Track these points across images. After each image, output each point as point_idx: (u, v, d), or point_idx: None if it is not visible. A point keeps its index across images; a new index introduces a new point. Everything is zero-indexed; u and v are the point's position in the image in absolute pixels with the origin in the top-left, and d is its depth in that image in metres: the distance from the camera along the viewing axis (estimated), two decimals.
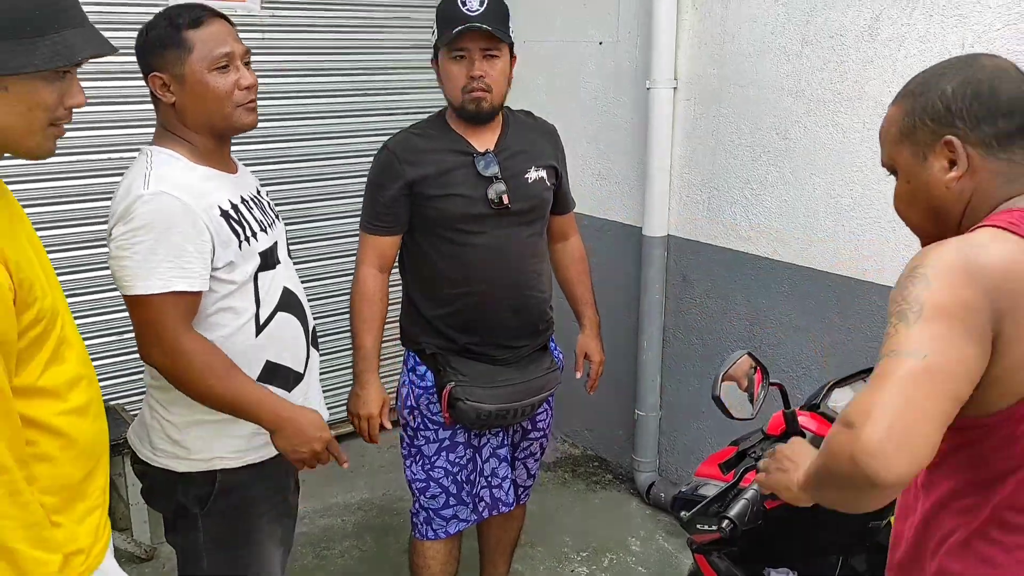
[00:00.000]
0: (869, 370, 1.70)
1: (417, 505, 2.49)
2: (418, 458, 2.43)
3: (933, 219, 1.31)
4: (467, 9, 2.16)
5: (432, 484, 2.43)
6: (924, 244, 1.32)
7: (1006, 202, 1.23)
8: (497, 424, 2.39)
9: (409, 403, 2.41)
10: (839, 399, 1.86)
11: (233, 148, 1.94)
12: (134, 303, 1.71)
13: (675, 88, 3.20)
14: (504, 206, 2.26)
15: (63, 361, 1.40)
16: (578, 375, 2.65)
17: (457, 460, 2.42)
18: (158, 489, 1.91)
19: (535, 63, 3.68)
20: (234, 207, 1.81)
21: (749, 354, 1.77)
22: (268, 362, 1.88)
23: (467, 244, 2.28)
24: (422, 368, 2.39)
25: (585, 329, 2.65)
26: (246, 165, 2.04)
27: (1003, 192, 1.24)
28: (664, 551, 3.27)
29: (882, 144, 1.36)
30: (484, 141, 2.30)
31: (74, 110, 1.36)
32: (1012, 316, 1.12)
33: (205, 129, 1.80)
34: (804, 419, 1.81)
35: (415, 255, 2.37)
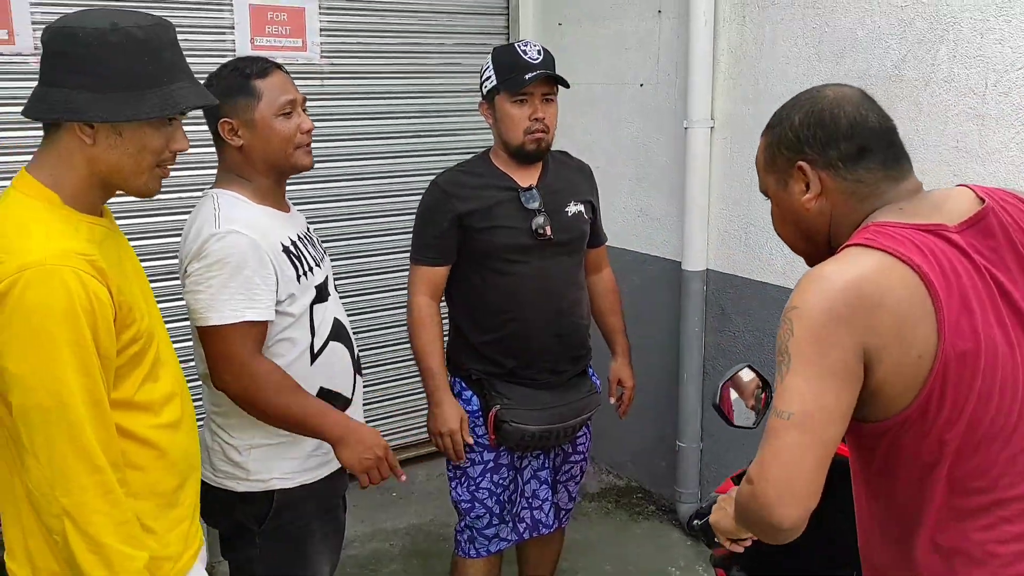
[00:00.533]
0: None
1: (462, 524, 2.61)
2: (463, 479, 2.55)
3: (804, 238, 1.45)
4: (529, 58, 2.36)
5: (476, 504, 2.55)
6: (807, 262, 1.48)
7: (868, 217, 1.35)
8: (540, 445, 2.51)
9: None
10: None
11: (292, 187, 2.12)
12: (209, 333, 1.85)
13: (712, 127, 3.32)
14: (547, 237, 2.41)
15: (158, 379, 1.56)
16: (611, 400, 2.76)
17: (500, 481, 2.54)
18: (218, 508, 2.02)
19: (580, 105, 3.84)
20: (293, 243, 1.96)
21: (750, 366, 1.85)
22: (321, 388, 2.01)
23: (513, 273, 2.43)
24: (468, 393, 2.52)
25: (617, 357, 2.76)
26: (303, 203, 2.21)
27: (860, 209, 1.36)
28: None
29: (758, 172, 1.50)
30: (527, 178, 2.46)
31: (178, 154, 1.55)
32: (873, 331, 1.22)
33: (268, 170, 1.96)
34: None
35: (463, 285, 2.51)
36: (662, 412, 3.73)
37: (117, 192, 1.55)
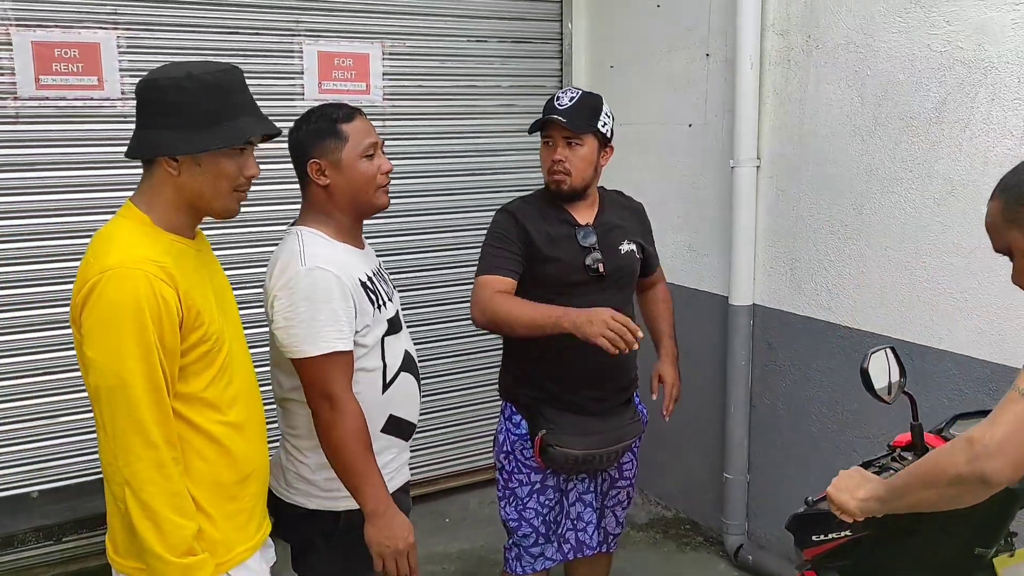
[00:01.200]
0: (987, 411, 1.93)
1: (510, 542, 2.73)
2: (512, 499, 2.67)
3: None
4: (557, 103, 2.50)
5: (524, 523, 2.66)
6: None
7: None
8: (584, 469, 2.62)
9: (505, 448, 2.66)
10: (959, 429, 2.01)
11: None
12: (305, 364, 1.96)
13: (758, 167, 3.42)
14: (600, 273, 2.53)
15: (228, 381, 1.77)
16: (653, 397, 2.81)
17: (546, 502, 2.65)
18: (290, 523, 2.16)
19: (632, 144, 3.97)
20: (369, 279, 2.10)
21: (893, 349, 1.97)
22: (392, 416, 2.14)
23: (566, 305, 2.54)
24: (517, 417, 2.65)
25: (662, 356, 2.83)
26: (371, 238, 2.37)
27: None
28: None
29: (992, 234, 1.57)
30: (584, 215, 2.59)
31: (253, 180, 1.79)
32: None
33: (350, 208, 2.09)
34: (930, 439, 1.97)
35: None
36: (709, 444, 3.80)
37: (204, 217, 1.79)
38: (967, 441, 1.45)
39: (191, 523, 1.67)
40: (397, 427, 2.16)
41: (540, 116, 2.55)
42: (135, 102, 1.72)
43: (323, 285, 1.96)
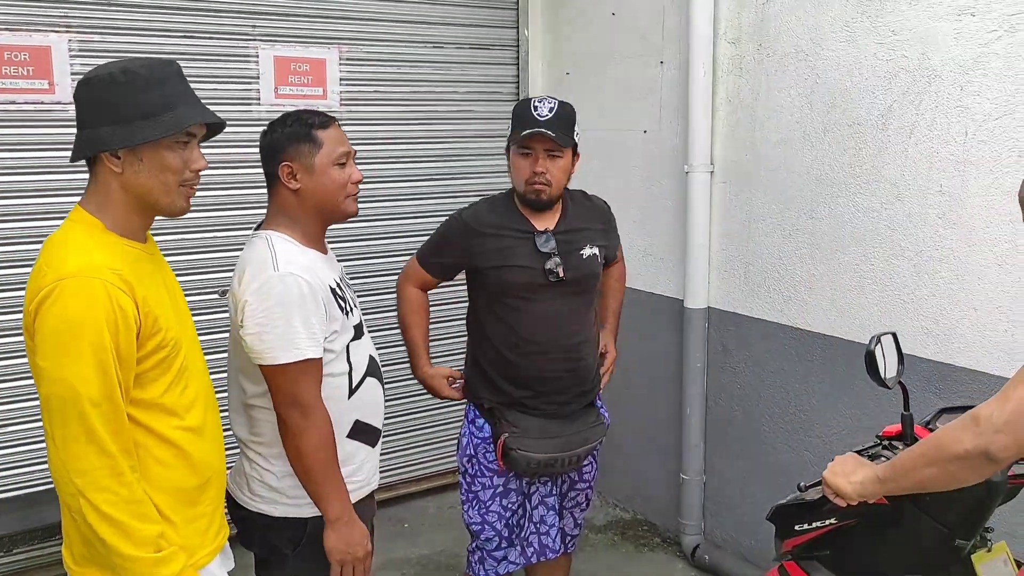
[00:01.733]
0: (971, 407, 2.00)
1: (474, 545, 2.74)
2: (475, 502, 2.68)
3: None
4: (538, 114, 2.52)
5: (487, 527, 2.68)
6: None
7: None
8: (546, 472, 2.64)
9: (468, 452, 2.68)
10: (945, 423, 2.06)
11: None
12: (277, 371, 1.96)
13: (711, 172, 3.48)
14: (560, 278, 2.56)
15: (185, 386, 1.75)
16: (603, 372, 2.86)
17: (510, 505, 2.67)
18: (254, 531, 2.14)
19: (588, 149, 3.97)
20: (338, 285, 2.11)
21: (894, 335, 2.02)
22: (357, 421, 2.15)
23: (526, 310, 2.58)
24: (480, 420, 2.67)
25: (606, 331, 2.91)
26: (327, 241, 2.37)
27: None
28: None
29: (1021, 206, 1.54)
30: (545, 221, 2.62)
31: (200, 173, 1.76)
32: None
33: (318, 213, 2.09)
34: (918, 431, 2.02)
35: (482, 318, 2.67)
36: (666, 446, 3.85)
37: (156, 216, 1.77)
38: (972, 419, 1.47)
39: (155, 526, 1.66)
40: (363, 432, 2.16)
41: (509, 123, 2.57)
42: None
43: (296, 291, 1.96)
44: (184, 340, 1.77)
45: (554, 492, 2.76)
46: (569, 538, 2.87)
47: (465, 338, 2.79)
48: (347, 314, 2.10)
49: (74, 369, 1.55)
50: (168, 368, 1.71)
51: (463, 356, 2.81)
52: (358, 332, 2.16)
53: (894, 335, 2.03)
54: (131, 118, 1.62)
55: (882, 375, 1.96)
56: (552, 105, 2.54)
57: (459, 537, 3.94)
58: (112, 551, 1.61)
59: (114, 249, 1.66)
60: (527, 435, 2.57)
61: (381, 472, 4.19)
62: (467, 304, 2.77)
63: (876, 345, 1.98)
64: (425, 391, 2.76)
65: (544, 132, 2.48)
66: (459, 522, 4.08)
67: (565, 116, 2.54)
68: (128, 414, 1.64)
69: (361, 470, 2.18)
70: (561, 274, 2.56)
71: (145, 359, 1.66)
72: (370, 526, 2.31)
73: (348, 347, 2.11)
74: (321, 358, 2.01)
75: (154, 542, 1.64)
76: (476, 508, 2.68)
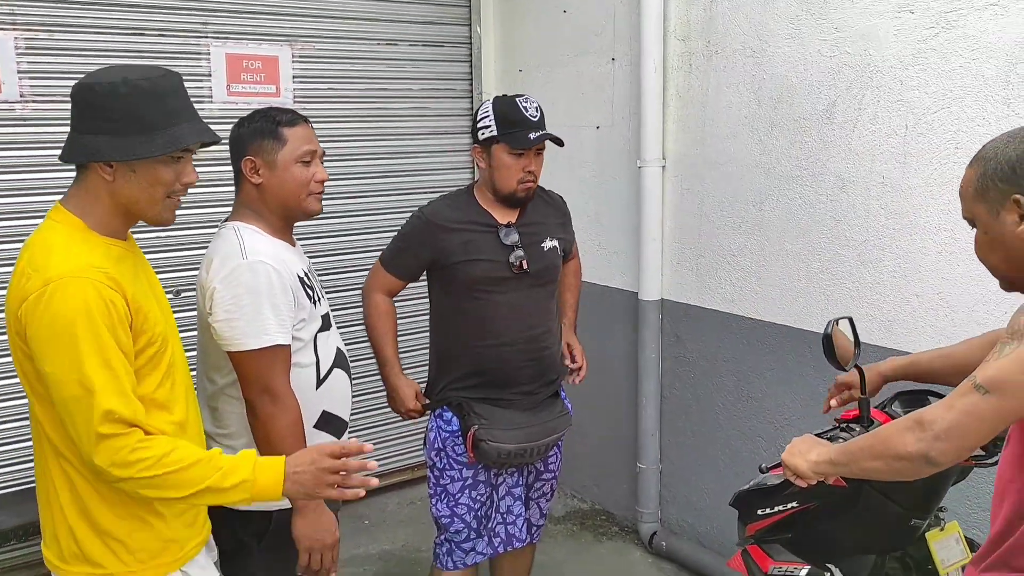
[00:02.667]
0: (926, 391, 2.12)
1: (442, 538, 2.77)
2: (443, 495, 2.72)
3: (1009, 266, 1.55)
4: (529, 115, 2.59)
5: (456, 519, 2.71)
6: (1001, 285, 1.60)
7: None
8: (515, 462, 2.69)
9: (436, 445, 2.71)
10: (899, 406, 2.15)
11: None
12: (247, 357, 1.99)
13: (663, 167, 3.55)
14: (523, 270, 2.61)
15: (173, 382, 1.76)
16: (567, 364, 2.92)
17: (478, 497, 2.72)
18: (220, 524, 2.12)
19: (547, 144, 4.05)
20: (306, 275, 2.14)
21: (850, 319, 2.09)
22: (325, 412, 2.18)
23: (491, 302, 2.63)
24: (448, 414, 2.70)
25: (566, 326, 2.97)
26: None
27: None
28: None
29: (962, 200, 1.59)
30: (507, 216, 2.67)
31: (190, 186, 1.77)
32: None
33: (280, 209, 2.13)
34: (874, 414, 2.09)
35: (446, 315, 2.71)
36: (623, 436, 3.92)
37: (137, 222, 1.77)
38: (917, 423, 1.53)
39: (201, 456, 1.66)
40: (330, 423, 2.19)
41: (466, 119, 2.61)
42: (70, 104, 1.69)
43: (265, 278, 1.99)
44: (169, 335, 1.78)
45: (520, 483, 2.80)
46: (535, 528, 2.91)
47: (422, 349, 2.81)
48: (315, 303, 2.13)
49: (79, 367, 1.55)
50: (158, 364, 1.72)
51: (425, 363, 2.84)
52: (326, 323, 2.18)
53: (850, 319, 2.11)
54: (130, 132, 1.63)
55: (839, 358, 2.04)
56: (536, 104, 2.63)
57: (420, 532, 3.97)
58: (200, 499, 1.64)
59: (98, 248, 1.66)
60: (496, 426, 2.61)
61: None
62: (426, 315, 2.80)
63: (833, 328, 2.06)
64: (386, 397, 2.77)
65: (550, 135, 2.59)
66: (420, 517, 4.12)
67: (543, 114, 2.65)
68: None
69: None
70: (525, 266, 2.61)
71: (139, 355, 1.67)
72: (336, 519, 2.34)
73: (316, 338, 2.13)
74: (290, 345, 2.03)
75: (212, 465, 1.65)
76: (445, 501, 2.71)
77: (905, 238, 2.78)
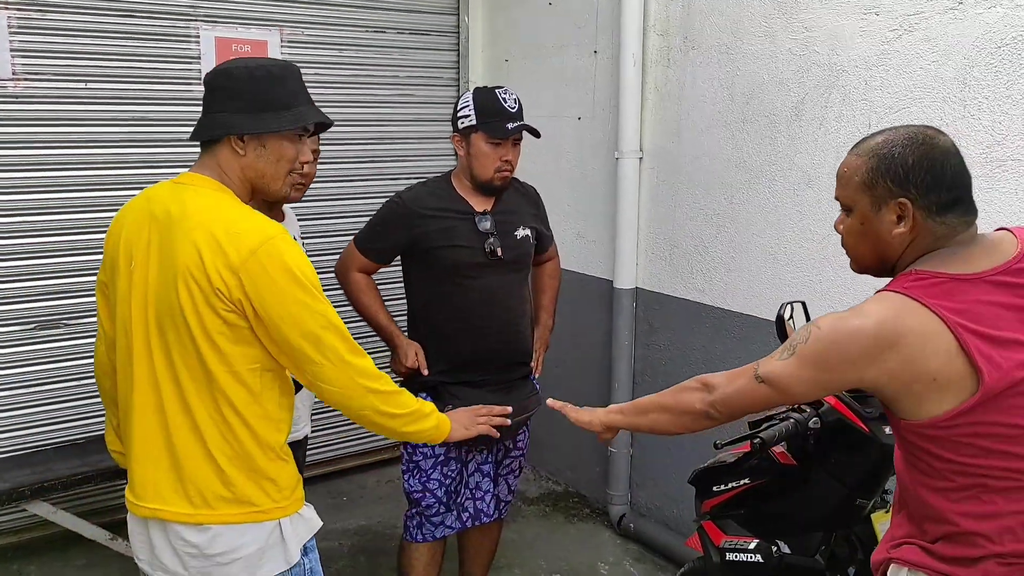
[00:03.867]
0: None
1: (412, 511, 2.87)
2: (415, 471, 2.82)
3: (874, 256, 1.63)
4: (508, 106, 2.70)
5: (427, 494, 2.81)
6: (857, 270, 1.71)
7: (919, 259, 1.57)
8: (488, 441, 2.77)
9: None
10: None
11: None
12: None
13: (640, 158, 3.64)
14: (498, 257, 2.71)
15: None
16: (533, 365, 3.02)
17: (449, 473, 2.81)
18: None
19: (525, 135, 4.12)
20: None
21: (803, 303, 2.22)
22: None
23: (467, 287, 2.73)
24: (423, 394, 2.78)
25: (539, 326, 3.08)
26: None
27: (934, 245, 1.55)
28: (630, 575, 3.59)
29: (842, 185, 1.64)
30: (483, 204, 2.77)
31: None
32: (880, 365, 1.49)
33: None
34: None
35: (422, 300, 2.81)
36: None
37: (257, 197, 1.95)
38: (704, 384, 1.77)
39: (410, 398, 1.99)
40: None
41: (450, 107, 2.69)
42: (204, 90, 1.86)
43: None
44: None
45: (489, 460, 2.90)
46: (503, 503, 3.01)
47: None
48: None
49: (319, 305, 1.78)
50: None
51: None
52: None
53: (803, 304, 2.22)
54: (262, 109, 1.81)
55: (789, 334, 2.14)
56: (514, 95, 2.73)
57: (395, 509, 4.06)
58: (407, 425, 1.97)
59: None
60: (470, 406, 2.71)
61: (321, 446, 4.34)
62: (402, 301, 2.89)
63: (786, 310, 2.16)
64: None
65: (528, 126, 2.70)
66: (396, 495, 4.23)
67: (522, 105, 2.75)
68: None
69: None
70: (500, 253, 2.70)
71: None
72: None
73: None
74: None
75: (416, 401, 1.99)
76: (417, 477, 2.81)
77: None
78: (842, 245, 1.71)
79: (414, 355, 2.78)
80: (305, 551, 1.93)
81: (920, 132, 1.58)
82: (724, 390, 1.72)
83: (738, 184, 3.27)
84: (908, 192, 1.54)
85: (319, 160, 4.04)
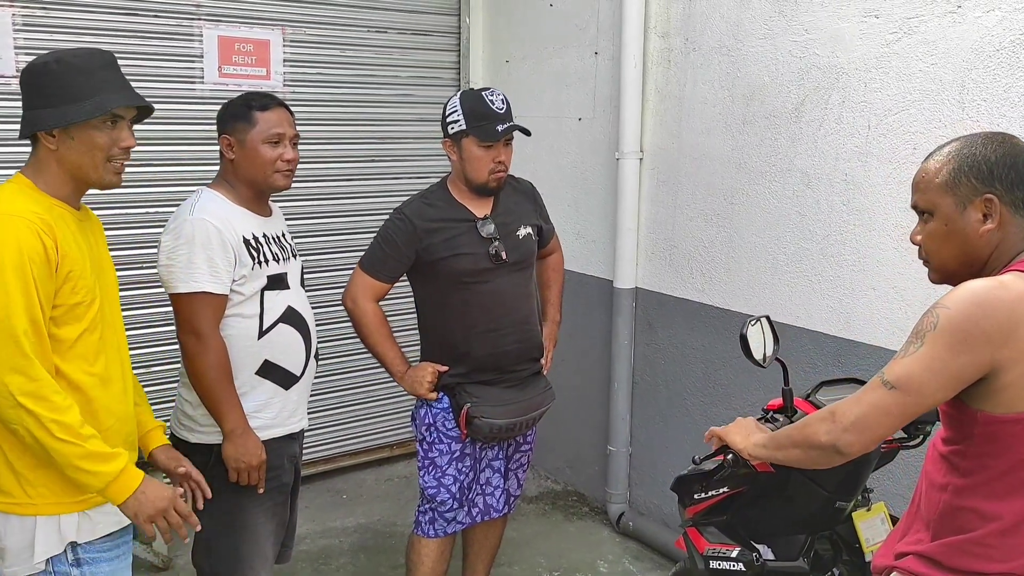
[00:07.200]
0: (849, 379, 2.26)
1: (426, 507, 2.89)
2: (431, 468, 2.84)
3: (961, 259, 1.59)
4: (496, 108, 2.69)
5: (442, 490, 2.84)
6: (931, 276, 1.65)
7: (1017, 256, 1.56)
8: (505, 436, 2.83)
9: (427, 420, 2.82)
10: (824, 394, 2.27)
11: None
12: (178, 300, 2.27)
13: (641, 159, 3.66)
14: (503, 260, 2.73)
15: (98, 336, 1.91)
16: (543, 362, 3.03)
17: (464, 469, 2.85)
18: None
19: (525, 137, 4.15)
20: (255, 238, 2.35)
21: (767, 318, 2.19)
22: (267, 361, 2.39)
23: (475, 291, 2.75)
24: (439, 393, 2.81)
25: (547, 321, 3.09)
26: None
27: (1020, 247, 1.55)
28: (629, 572, 3.61)
29: (921, 190, 1.62)
30: (482, 208, 2.78)
31: (132, 150, 1.94)
32: (1010, 345, 1.44)
33: (249, 183, 2.39)
34: (799, 403, 2.21)
35: (434, 308, 2.82)
36: (595, 420, 4.04)
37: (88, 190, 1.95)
38: (830, 413, 1.62)
39: (91, 433, 1.82)
40: (273, 373, 2.39)
41: (465, 121, 2.68)
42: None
43: (203, 232, 2.24)
44: (102, 297, 1.92)
45: (500, 455, 2.93)
46: (512, 498, 3.04)
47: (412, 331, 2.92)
48: (259, 264, 2.34)
49: (4, 293, 1.71)
50: (82, 316, 1.87)
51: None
52: (277, 283, 2.39)
53: (767, 318, 2.21)
54: (64, 101, 1.82)
55: (756, 355, 2.14)
56: (501, 96, 2.73)
57: (395, 507, 4.09)
58: (66, 457, 1.77)
59: (41, 202, 1.84)
60: (487, 403, 2.75)
61: (320, 444, 4.37)
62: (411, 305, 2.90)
63: (749, 328, 2.14)
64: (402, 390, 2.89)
65: (518, 126, 2.71)
66: (396, 493, 4.26)
67: (510, 105, 2.75)
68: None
69: (269, 408, 2.40)
70: (504, 256, 2.73)
71: (61, 301, 1.82)
72: (294, 468, 2.55)
73: (263, 294, 2.35)
74: (224, 296, 2.27)
75: (102, 448, 1.82)
76: (432, 473, 2.83)
77: (865, 234, 2.90)
78: (920, 256, 1.66)
79: (430, 379, 2.77)
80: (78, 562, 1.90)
81: (997, 133, 1.60)
82: (851, 414, 1.58)
83: (738, 185, 3.29)
84: (994, 188, 1.54)
85: (319, 159, 4.11)
